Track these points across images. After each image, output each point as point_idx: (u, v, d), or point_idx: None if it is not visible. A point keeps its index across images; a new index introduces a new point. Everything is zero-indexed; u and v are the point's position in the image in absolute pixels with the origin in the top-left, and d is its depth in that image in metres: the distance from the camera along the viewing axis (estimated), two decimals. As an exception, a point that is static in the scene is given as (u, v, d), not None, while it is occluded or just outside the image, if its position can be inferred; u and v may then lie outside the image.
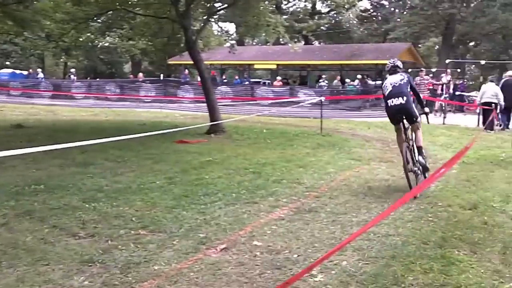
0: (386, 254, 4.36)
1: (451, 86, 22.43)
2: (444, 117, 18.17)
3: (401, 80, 6.90)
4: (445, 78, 22.24)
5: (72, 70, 34.64)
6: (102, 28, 16.23)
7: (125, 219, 5.24)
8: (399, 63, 7.16)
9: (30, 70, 34.21)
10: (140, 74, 31.30)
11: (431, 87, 21.47)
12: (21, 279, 3.74)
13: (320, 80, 28.44)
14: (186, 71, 30.47)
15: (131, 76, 33.22)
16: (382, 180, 7.55)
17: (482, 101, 15.92)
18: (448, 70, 24.03)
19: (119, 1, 13.35)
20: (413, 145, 6.94)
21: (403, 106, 6.72)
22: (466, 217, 5.54)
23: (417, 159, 6.88)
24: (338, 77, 28.68)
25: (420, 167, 6.89)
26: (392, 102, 6.76)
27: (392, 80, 6.94)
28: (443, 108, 19.06)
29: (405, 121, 6.89)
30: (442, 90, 21.78)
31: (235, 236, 4.82)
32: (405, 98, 6.73)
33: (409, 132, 6.98)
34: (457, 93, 22.60)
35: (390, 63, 7.18)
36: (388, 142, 11.87)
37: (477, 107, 18.74)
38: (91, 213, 5.42)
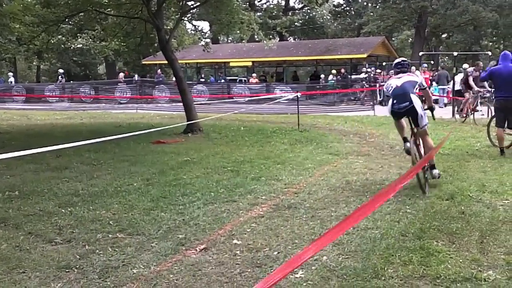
0: (365, 248, 4.37)
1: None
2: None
3: (408, 80, 6.52)
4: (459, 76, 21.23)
5: (60, 70, 33.51)
6: (74, 30, 16.03)
7: (102, 223, 5.17)
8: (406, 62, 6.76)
9: None
10: (121, 74, 30.67)
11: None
12: (-4, 289, 3.67)
13: (330, 77, 26.98)
14: (159, 71, 30.21)
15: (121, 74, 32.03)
16: (360, 174, 7.58)
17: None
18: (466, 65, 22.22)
19: (90, 2, 13.17)
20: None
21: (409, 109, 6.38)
22: (443, 208, 5.59)
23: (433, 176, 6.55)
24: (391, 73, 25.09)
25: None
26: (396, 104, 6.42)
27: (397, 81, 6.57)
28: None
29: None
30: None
31: (215, 235, 4.79)
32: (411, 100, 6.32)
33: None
34: (433, 84, 22.76)
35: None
36: (365, 136, 11.92)
37: (451, 99, 19.02)
38: (68, 218, 5.34)
